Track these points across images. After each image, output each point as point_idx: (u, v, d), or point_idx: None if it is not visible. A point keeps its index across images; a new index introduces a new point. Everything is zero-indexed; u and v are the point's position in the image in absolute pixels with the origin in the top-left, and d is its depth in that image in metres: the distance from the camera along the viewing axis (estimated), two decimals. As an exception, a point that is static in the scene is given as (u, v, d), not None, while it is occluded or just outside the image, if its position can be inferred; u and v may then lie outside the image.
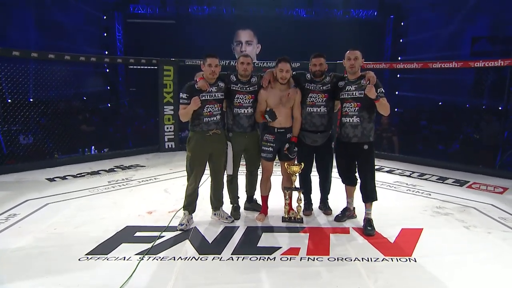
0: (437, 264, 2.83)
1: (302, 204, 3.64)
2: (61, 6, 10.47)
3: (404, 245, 3.15)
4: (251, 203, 3.94)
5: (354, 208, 3.71)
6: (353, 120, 3.33)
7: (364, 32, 11.31)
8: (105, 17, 11.99)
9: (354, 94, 3.34)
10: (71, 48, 8.98)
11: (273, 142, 3.52)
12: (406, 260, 2.89)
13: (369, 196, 3.43)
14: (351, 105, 3.34)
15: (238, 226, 3.49)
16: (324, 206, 3.89)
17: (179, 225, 3.40)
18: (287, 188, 3.62)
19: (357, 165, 3.49)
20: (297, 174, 3.63)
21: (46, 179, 5.05)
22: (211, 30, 11.60)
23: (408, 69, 6.79)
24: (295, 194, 3.64)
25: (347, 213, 3.67)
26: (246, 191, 3.93)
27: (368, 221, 3.41)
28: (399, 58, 11.93)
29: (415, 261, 2.87)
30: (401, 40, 12.31)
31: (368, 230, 3.34)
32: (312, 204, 3.89)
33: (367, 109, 3.32)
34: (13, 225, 3.45)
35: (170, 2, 12.30)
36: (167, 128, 6.98)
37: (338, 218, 3.65)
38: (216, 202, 3.62)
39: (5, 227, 3.39)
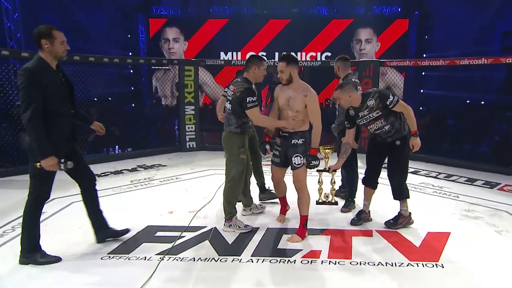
0: (466, 271, 2.71)
1: (335, 186, 3.77)
2: (86, 9, 10.79)
3: (430, 249, 3.03)
4: (265, 193, 4.01)
5: (369, 211, 3.61)
6: (384, 129, 3.28)
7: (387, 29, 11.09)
8: (128, 19, 12.25)
9: (371, 116, 3.24)
10: (96, 50, 9.23)
11: (279, 145, 3.34)
12: (433, 265, 2.77)
13: (398, 193, 3.38)
14: (376, 123, 3.27)
15: (258, 227, 3.45)
16: (345, 202, 3.91)
17: (244, 226, 3.38)
18: (319, 169, 3.45)
19: (387, 162, 3.42)
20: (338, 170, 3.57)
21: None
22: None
23: (434, 66, 6.56)
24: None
25: (363, 216, 3.58)
26: (256, 183, 4.00)
27: (398, 216, 3.43)
28: (424, 55, 11.59)
29: (442, 267, 2.75)
30: (426, 37, 11.95)
31: (390, 223, 3.43)
32: (354, 203, 3.90)
33: (391, 115, 3.25)
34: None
35: (191, 2, 12.44)
36: (188, 128, 7.03)
37: (354, 222, 3.55)
38: (246, 200, 3.76)
39: (32, 225, 3.48)
